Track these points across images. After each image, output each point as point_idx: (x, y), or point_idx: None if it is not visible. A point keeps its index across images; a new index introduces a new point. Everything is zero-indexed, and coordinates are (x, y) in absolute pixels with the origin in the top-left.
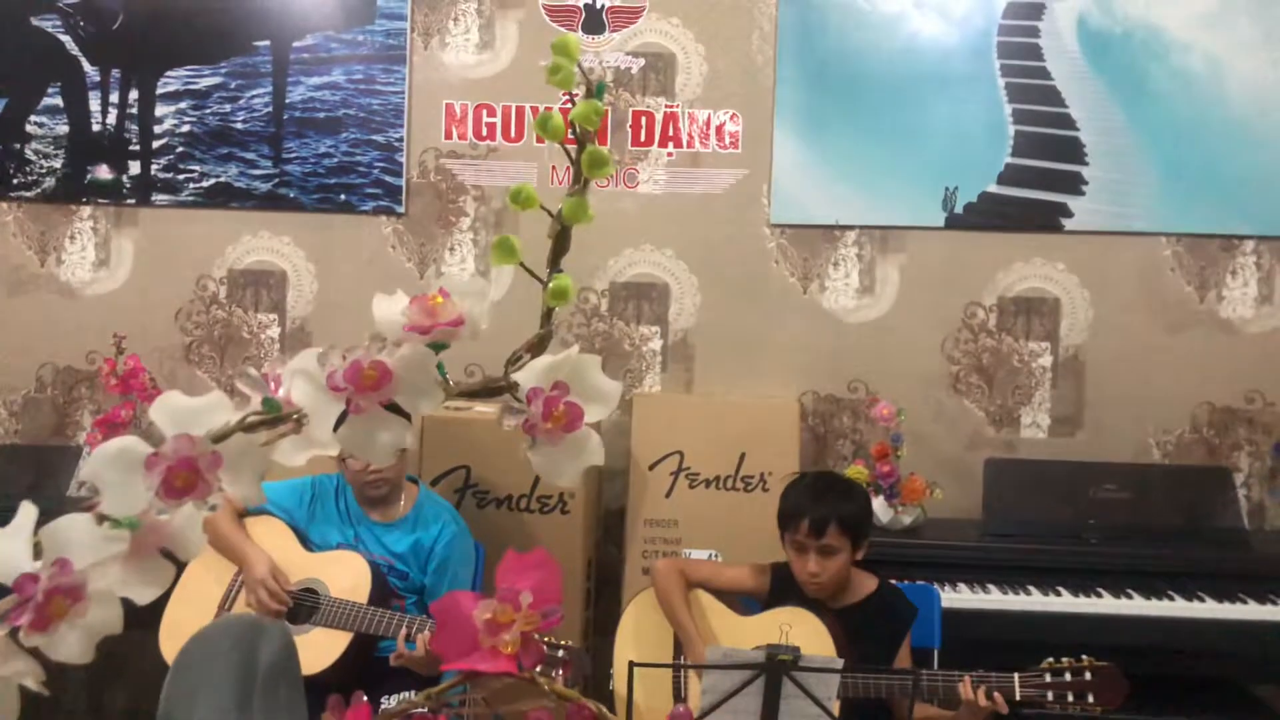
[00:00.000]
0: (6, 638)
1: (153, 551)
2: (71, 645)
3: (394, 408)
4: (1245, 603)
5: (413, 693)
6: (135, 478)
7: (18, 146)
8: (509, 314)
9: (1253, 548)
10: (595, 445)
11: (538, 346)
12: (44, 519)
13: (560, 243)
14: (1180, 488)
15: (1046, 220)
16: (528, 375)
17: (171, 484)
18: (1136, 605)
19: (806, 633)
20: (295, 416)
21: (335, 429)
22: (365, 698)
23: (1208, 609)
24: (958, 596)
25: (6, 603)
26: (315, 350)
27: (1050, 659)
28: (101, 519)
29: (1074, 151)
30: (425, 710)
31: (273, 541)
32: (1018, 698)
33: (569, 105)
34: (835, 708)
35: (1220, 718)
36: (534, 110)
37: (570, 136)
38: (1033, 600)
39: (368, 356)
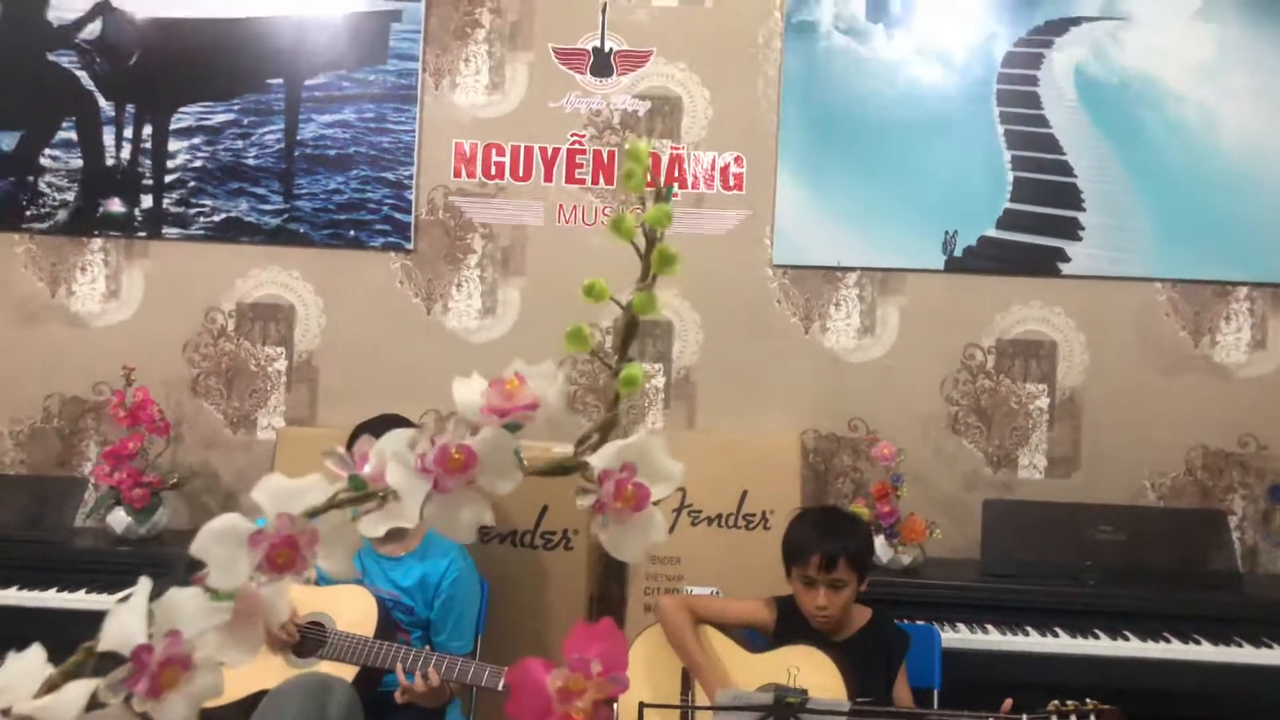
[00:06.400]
0: (122, 704)
1: (249, 620)
2: (178, 711)
3: None
4: (1240, 645)
5: None
6: (240, 554)
7: (31, 179)
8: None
9: (1247, 591)
10: (659, 523)
11: (606, 427)
12: (48, 549)
13: (629, 332)
14: (1175, 530)
15: (1044, 265)
16: (599, 458)
17: (274, 560)
18: (1133, 647)
19: (817, 670)
20: (381, 494)
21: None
22: None
23: (1203, 651)
24: (957, 636)
25: (121, 671)
26: (406, 432)
27: (1056, 701)
28: (206, 590)
29: (1071, 198)
30: None
31: None
32: None
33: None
34: None
35: None
36: (542, 150)
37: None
38: (1030, 641)
39: (454, 441)
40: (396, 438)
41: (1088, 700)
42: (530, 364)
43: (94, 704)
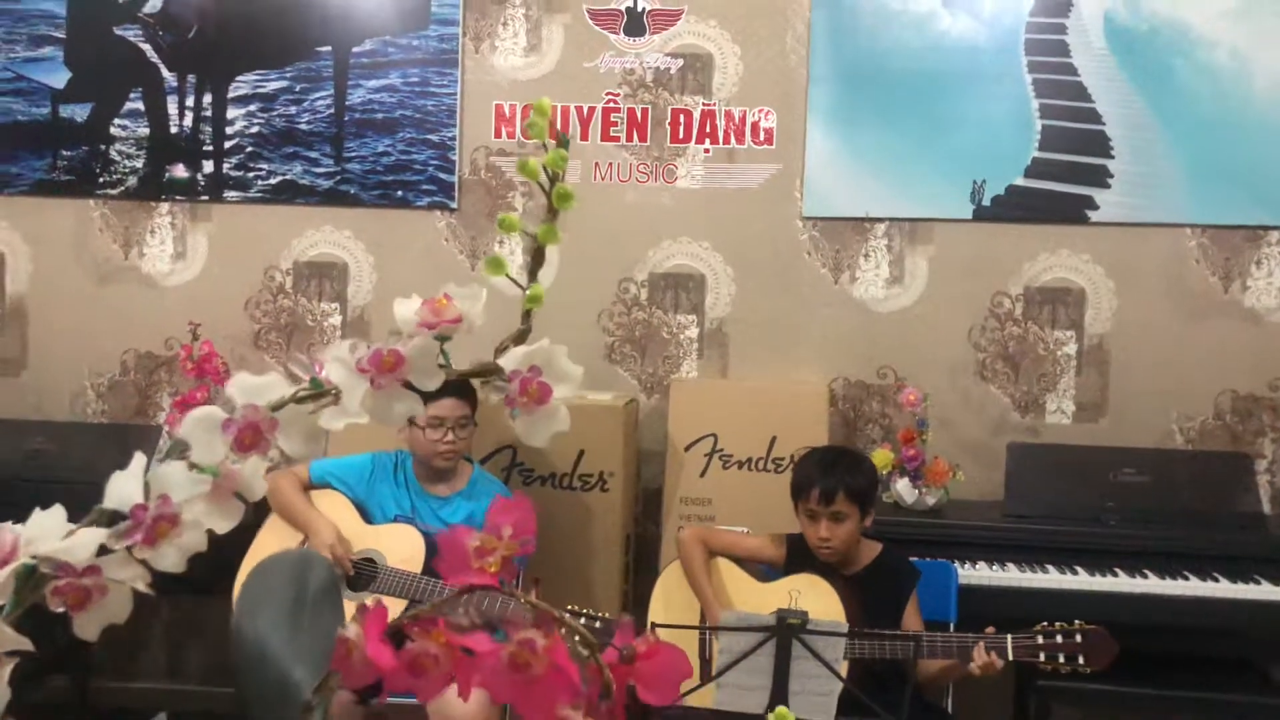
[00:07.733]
0: (124, 552)
1: (227, 493)
2: (170, 558)
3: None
4: (1259, 583)
5: None
6: (215, 436)
7: (103, 148)
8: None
9: (1270, 532)
10: (563, 415)
11: (519, 338)
12: None
13: (538, 259)
14: (1200, 473)
15: (1072, 212)
16: (509, 360)
17: (242, 441)
18: (1152, 584)
19: (818, 597)
20: (334, 393)
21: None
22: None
23: (1221, 589)
24: (975, 573)
25: (124, 526)
26: (348, 342)
27: (1044, 623)
28: (191, 466)
29: (1100, 145)
30: (432, 615)
31: (335, 514)
32: (1010, 657)
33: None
34: (843, 669)
35: (1232, 694)
36: (578, 110)
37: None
38: (1049, 578)
39: (386, 346)
40: (341, 346)
41: (1074, 621)
42: (569, 316)
43: (104, 551)
